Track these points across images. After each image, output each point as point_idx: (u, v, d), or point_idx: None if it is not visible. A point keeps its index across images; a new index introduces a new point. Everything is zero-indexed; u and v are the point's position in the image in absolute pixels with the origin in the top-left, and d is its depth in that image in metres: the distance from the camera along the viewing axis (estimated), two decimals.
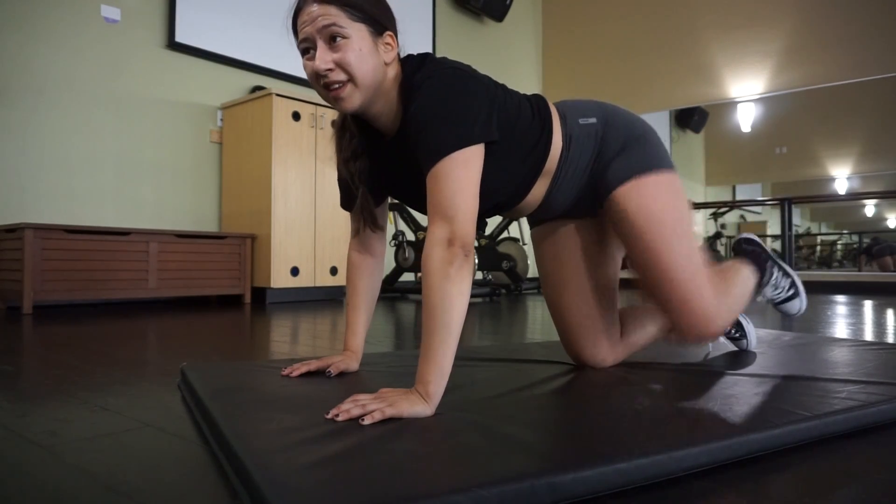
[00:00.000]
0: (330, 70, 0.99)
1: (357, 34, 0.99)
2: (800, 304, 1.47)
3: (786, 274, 1.46)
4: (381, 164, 1.13)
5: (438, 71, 1.00)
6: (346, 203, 1.22)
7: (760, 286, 1.42)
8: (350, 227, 1.24)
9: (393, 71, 1.05)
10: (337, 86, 1.00)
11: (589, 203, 1.21)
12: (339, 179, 1.20)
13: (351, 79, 1.00)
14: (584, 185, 1.18)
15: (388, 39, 1.04)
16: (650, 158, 1.16)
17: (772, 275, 1.43)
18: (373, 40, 1.01)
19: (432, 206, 0.93)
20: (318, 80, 1.01)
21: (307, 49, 1.01)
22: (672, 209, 1.13)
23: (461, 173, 0.93)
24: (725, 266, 1.35)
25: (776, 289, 1.44)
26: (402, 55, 1.08)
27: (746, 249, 1.45)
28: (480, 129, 0.97)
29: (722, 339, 1.50)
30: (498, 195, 1.13)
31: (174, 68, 3.63)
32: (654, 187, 1.13)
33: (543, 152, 1.13)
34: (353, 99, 1.01)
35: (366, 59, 1.00)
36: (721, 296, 1.20)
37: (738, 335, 1.50)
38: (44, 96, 3.13)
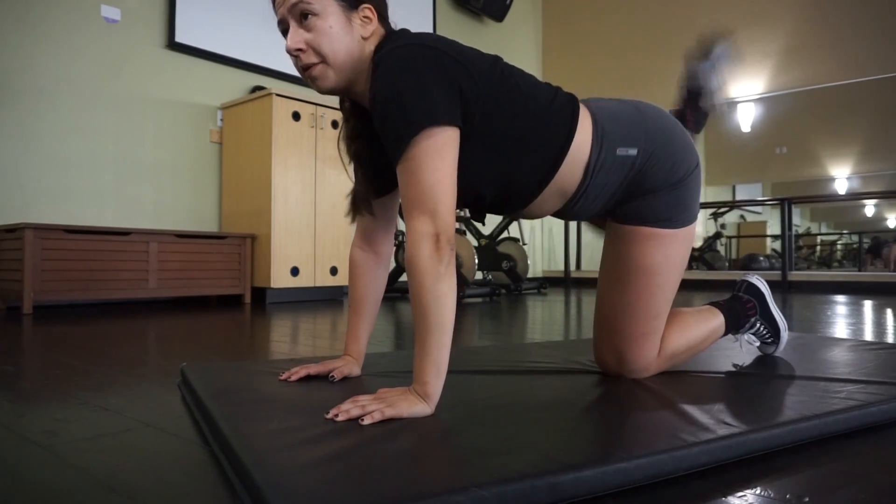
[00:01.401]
0: (301, 51, 0.97)
1: (327, 9, 0.96)
2: (773, 350, 1.42)
3: (772, 327, 1.39)
4: (378, 148, 1.04)
5: (393, 52, 0.92)
6: None
7: (736, 332, 1.37)
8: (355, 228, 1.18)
9: (372, 46, 1.00)
10: (310, 67, 0.98)
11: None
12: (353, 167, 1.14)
13: (323, 60, 0.98)
14: (608, 203, 1.11)
15: (366, 12, 0.99)
16: (679, 212, 1.10)
17: (752, 326, 1.37)
18: (345, 15, 0.98)
19: (408, 199, 0.89)
20: (295, 61, 1.00)
21: (284, 30, 1.00)
22: (672, 264, 1.12)
23: (433, 163, 0.87)
24: (701, 310, 1.29)
25: (754, 336, 1.39)
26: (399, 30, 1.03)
27: (742, 298, 1.38)
28: (437, 112, 0.88)
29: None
30: (477, 188, 1.04)
31: (174, 68, 3.63)
32: (667, 242, 1.10)
33: (547, 169, 1.03)
34: (328, 79, 0.99)
35: (337, 37, 0.97)
36: (675, 337, 1.20)
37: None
38: (44, 96, 3.13)
